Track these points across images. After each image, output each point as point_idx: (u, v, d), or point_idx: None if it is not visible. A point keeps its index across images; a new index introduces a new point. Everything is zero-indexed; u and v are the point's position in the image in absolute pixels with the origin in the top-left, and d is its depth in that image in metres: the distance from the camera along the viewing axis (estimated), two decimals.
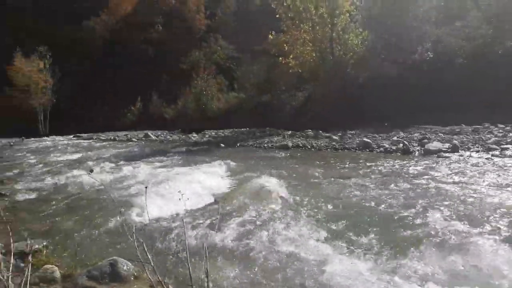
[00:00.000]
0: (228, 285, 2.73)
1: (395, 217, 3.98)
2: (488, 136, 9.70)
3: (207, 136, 18.04)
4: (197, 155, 10.41)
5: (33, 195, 6.02)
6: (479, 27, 16.37)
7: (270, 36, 21.16)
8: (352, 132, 12.98)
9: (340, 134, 12.67)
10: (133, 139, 19.66)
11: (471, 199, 4.43)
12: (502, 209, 3.95)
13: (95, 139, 21.84)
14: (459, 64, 15.66)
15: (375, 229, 3.62)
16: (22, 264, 2.69)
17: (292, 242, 3.40)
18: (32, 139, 25.88)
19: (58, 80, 37.34)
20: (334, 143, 11.42)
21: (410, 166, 7.00)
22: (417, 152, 8.72)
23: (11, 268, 2.06)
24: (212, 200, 5.07)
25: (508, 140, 8.67)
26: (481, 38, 15.95)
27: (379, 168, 6.96)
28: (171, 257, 2.91)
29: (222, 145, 13.77)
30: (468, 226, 3.51)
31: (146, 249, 2.17)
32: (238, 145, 13.50)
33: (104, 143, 18.22)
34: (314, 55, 18.54)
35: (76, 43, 40.40)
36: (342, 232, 3.59)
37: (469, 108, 12.60)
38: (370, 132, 12.46)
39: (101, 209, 4.85)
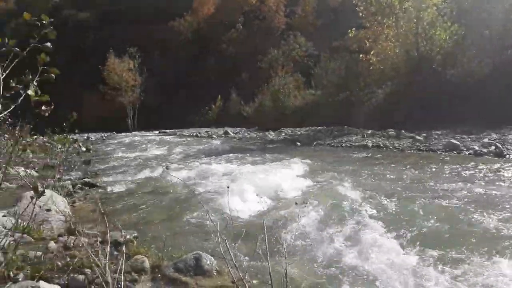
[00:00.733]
0: (306, 286, 2.71)
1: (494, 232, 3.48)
2: None
3: (283, 134, 18.03)
4: (274, 153, 10.40)
5: (123, 188, 6.51)
6: None
7: (350, 32, 20.46)
8: (438, 132, 11.87)
9: (424, 134, 11.67)
10: (213, 136, 20.54)
11: None
12: None
13: (178, 135, 23.27)
14: None
15: (470, 246, 3.22)
16: (115, 253, 2.88)
17: (379, 250, 3.18)
18: (122, 134, 28.58)
19: (145, 79, 40.63)
20: (418, 143, 10.62)
21: (504, 171, 6.27)
22: (511, 156, 7.74)
23: (107, 256, 2.20)
24: (292, 201, 4.98)
25: None
26: None
27: (471, 171, 6.36)
28: (252, 255, 2.89)
29: (299, 143, 13.63)
30: None
31: (228, 246, 2.23)
32: (314, 143, 13.24)
33: (188, 139, 19.32)
34: (397, 51, 17.55)
35: (162, 43, 43.42)
36: (432, 246, 3.25)
37: None
38: (457, 133, 11.32)
39: (184, 204, 5.07)
